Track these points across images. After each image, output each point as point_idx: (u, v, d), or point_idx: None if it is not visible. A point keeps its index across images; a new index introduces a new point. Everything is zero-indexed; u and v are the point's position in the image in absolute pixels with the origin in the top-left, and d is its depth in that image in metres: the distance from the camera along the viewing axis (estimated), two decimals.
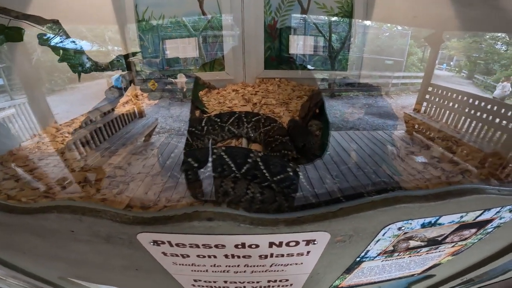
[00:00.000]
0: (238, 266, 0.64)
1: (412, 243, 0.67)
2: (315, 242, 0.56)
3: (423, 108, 1.24)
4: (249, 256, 0.60)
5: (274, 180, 0.71)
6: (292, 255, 0.60)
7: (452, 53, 1.30)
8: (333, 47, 1.50)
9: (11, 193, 0.69)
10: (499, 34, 1.15)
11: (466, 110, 1.09)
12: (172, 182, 0.76)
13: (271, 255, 0.60)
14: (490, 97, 1.12)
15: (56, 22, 0.88)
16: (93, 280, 0.85)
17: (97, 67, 1.07)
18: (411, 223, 0.58)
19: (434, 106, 1.20)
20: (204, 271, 0.67)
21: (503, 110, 0.99)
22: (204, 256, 0.60)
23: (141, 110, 1.22)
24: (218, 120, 1.07)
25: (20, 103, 0.96)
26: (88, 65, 1.02)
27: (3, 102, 0.93)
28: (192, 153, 0.82)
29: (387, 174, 0.83)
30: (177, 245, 0.55)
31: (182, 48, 1.45)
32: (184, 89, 1.38)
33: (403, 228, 0.59)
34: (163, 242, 0.54)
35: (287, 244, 0.56)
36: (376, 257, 0.71)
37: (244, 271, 0.67)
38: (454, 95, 1.14)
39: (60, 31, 0.91)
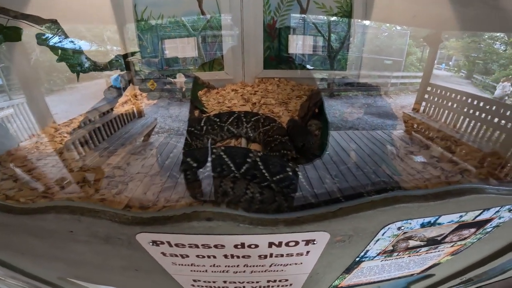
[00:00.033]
0: (238, 266, 0.64)
1: (412, 243, 0.67)
2: (315, 242, 0.56)
3: (422, 108, 1.24)
4: (249, 256, 0.60)
5: (274, 180, 0.71)
6: (291, 255, 0.60)
7: (451, 53, 1.30)
8: (332, 47, 1.50)
9: (10, 193, 0.69)
10: (498, 34, 1.16)
11: (465, 109, 1.09)
12: (171, 182, 0.75)
13: (271, 255, 0.60)
14: (489, 97, 1.12)
15: (54, 22, 0.88)
16: (92, 280, 0.85)
17: (96, 67, 1.06)
18: (410, 223, 0.58)
19: (433, 106, 1.20)
20: (203, 271, 0.66)
21: (502, 110, 0.99)
22: (203, 256, 0.60)
23: (140, 110, 1.21)
24: (217, 120, 1.07)
25: (19, 103, 0.96)
26: (86, 65, 1.02)
27: (2, 102, 0.93)
28: (191, 153, 0.82)
29: (386, 174, 0.83)
30: (176, 245, 0.55)
31: (181, 48, 1.45)
32: (183, 89, 1.37)
33: (402, 228, 0.59)
34: (162, 242, 0.54)
35: (287, 244, 0.56)
36: (375, 257, 0.70)
37: (244, 271, 0.67)
38: (453, 95, 1.14)
39: (59, 31, 0.91)
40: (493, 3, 0.93)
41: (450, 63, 1.33)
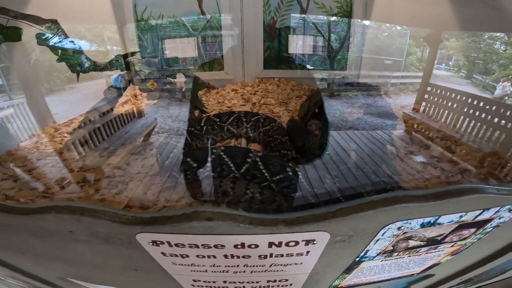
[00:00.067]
0: (238, 266, 0.64)
1: (412, 243, 0.67)
2: (315, 242, 0.56)
3: (422, 108, 1.24)
4: (249, 256, 0.60)
5: (274, 180, 0.71)
6: (291, 255, 0.60)
7: (451, 53, 1.30)
8: (332, 47, 1.50)
9: (10, 193, 0.69)
10: (498, 34, 1.16)
11: (465, 109, 1.09)
12: (171, 182, 0.75)
13: (271, 255, 0.60)
14: (489, 97, 1.12)
15: (54, 22, 0.88)
16: (92, 280, 0.85)
17: (96, 67, 1.06)
18: (410, 223, 0.58)
19: (433, 106, 1.20)
20: (203, 271, 0.66)
21: (502, 110, 0.99)
22: (203, 256, 0.60)
23: (140, 110, 1.21)
24: (217, 120, 1.07)
25: (19, 103, 0.96)
26: (86, 65, 1.02)
27: (2, 102, 0.93)
28: (191, 153, 0.82)
29: (386, 174, 0.83)
30: (176, 245, 0.55)
31: (181, 48, 1.45)
32: (183, 89, 1.38)
33: (402, 228, 0.59)
34: (162, 242, 0.54)
35: (287, 244, 0.56)
36: (375, 257, 0.70)
37: (244, 271, 0.67)
38: (453, 94, 1.14)
39: (59, 31, 0.91)
40: (493, 3, 0.93)
41: (450, 63, 1.33)
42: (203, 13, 1.37)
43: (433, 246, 0.71)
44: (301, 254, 0.60)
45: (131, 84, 1.29)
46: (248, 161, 0.72)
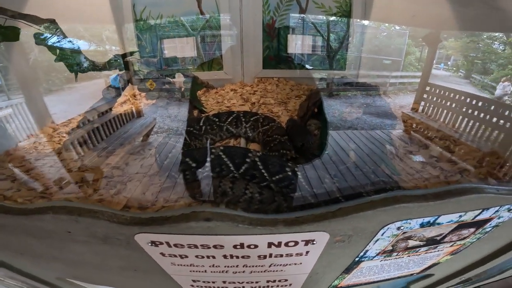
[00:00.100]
0: (237, 266, 0.64)
1: (411, 243, 0.67)
2: (314, 242, 0.56)
3: (421, 108, 1.24)
4: (248, 257, 0.60)
5: (273, 180, 0.71)
6: (291, 255, 0.60)
7: (450, 52, 1.30)
8: (332, 47, 1.50)
9: (8, 193, 0.69)
10: (497, 34, 1.16)
11: (464, 109, 1.09)
12: (170, 182, 0.75)
13: (270, 255, 0.60)
14: (487, 96, 1.12)
15: (52, 22, 0.88)
16: (91, 280, 0.85)
17: (95, 67, 1.06)
18: (410, 223, 0.58)
19: (432, 106, 1.20)
20: (202, 271, 0.66)
21: (500, 110, 0.99)
22: (202, 257, 0.59)
23: (139, 109, 1.21)
24: (216, 119, 1.07)
25: (17, 103, 0.96)
26: (85, 64, 1.02)
27: (1, 102, 0.93)
28: (190, 153, 0.82)
29: (385, 173, 0.83)
30: (175, 245, 0.55)
31: (180, 48, 1.45)
32: (182, 89, 1.37)
33: (402, 227, 0.58)
34: (161, 243, 0.54)
35: (286, 244, 0.56)
36: (375, 257, 0.70)
37: (243, 272, 0.67)
38: (452, 94, 1.14)
39: (58, 30, 0.91)
40: (492, 3, 0.93)
41: (449, 62, 1.33)
42: (202, 13, 1.36)
43: (432, 246, 0.71)
44: (301, 254, 0.60)
45: (129, 84, 1.29)
46: (247, 161, 0.72)
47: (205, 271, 0.66)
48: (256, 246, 0.56)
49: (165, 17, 1.36)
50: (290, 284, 0.76)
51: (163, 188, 0.73)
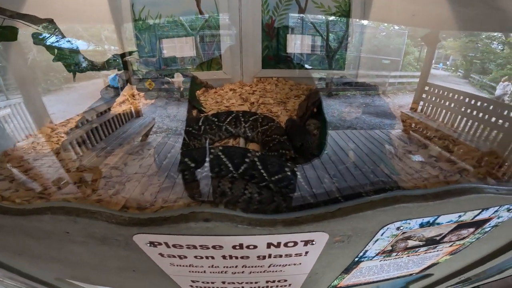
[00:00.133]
0: (236, 267, 0.64)
1: (411, 243, 0.67)
2: (314, 243, 0.56)
3: (420, 107, 1.24)
4: (247, 257, 0.60)
5: (272, 180, 0.71)
6: (290, 255, 0.60)
7: (449, 52, 1.30)
8: (331, 47, 1.50)
9: (6, 194, 0.68)
10: (495, 34, 1.16)
11: (463, 109, 1.09)
12: (169, 182, 0.75)
13: (269, 256, 0.60)
14: (486, 96, 1.12)
15: (51, 22, 0.87)
16: (90, 281, 0.84)
17: (93, 67, 1.06)
18: (409, 223, 0.57)
19: (431, 105, 1.20)
20: (202, 272, 0.66)
21: (499, 109, 0.99)
22: (201, 257, 0.59)
23: (137, 109, 1.21)
24: (216, 119, 1.07)
25: (16, 103, 0.96)
26: (84, 64, 1.01)
27: None
28: (189, 153, 0.82)
29: (385, 173, 0.83)
30: (174, 246, 0.55)
31: (179, 47, 1.45)
32: (181, 89, 1.37)
33: (401, 228, 0.58)
34: (159, 243, 0.54)
35: (285, 245, 0.56)
36: (374, 257, 0.70)
37: (242, 272, 0.66)
38: (451, 94, 1.14)
39: (56, 30, 0.91)
40: (492, 2, 0.93)
41: (448, 62, 1.33)
42: (201, 12, 1.36)
43: (432, 246, 0.71)
44: (300, 255, 0.60)
45: (128, 84, 1.29)
46: (246, 161, 0.72)
47: (204, 271, 0.66)
48: (255, 247, 0.56)
49: (164, 16, 1.36)
50: (290, 285, 0.76)
51: (162, 188, 0.73)
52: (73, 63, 0.97)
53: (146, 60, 1.42)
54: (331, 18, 1.43)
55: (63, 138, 0.96)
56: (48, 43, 0.91)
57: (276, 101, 1.35)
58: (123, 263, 0.65)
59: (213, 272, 0.66)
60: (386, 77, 1.48)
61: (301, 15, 1.42)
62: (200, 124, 1.04)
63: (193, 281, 0.72)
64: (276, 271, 0.67)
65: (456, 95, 1.13)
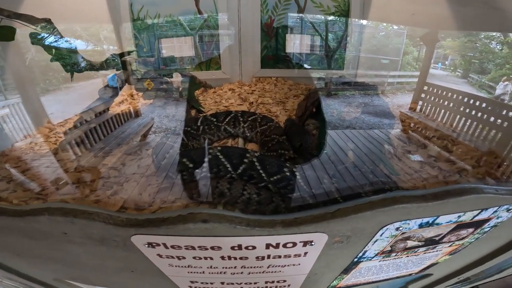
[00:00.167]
0: (235, 267, 0.64)
1: (410, 243, 0.67)
2: (313, 243, 0.56)
3: (418, 107, 1.24)
4: (246, 258, 0.59)
5: (271, 181, 0.71)
6: (289, 256, 0.60)
7: (447, 52, 1.30)
8: (330, 46, 1.50)
9: (3, 194, 0.68)
10: (494, 33, 1.16)
11: (462, 109, 1.09)
12: (168, 183, 0.75)
13: (268, 257, 0.59)
14: (485, 96, 1.12)
15: (48, 21, 0.87)
16: (88, 281, 0.84)
17: (92, 67, 1.05)
18: (409, 223, 0.57)
19: (430, 105, 1.20)
20: (200, 272, 0.66)
21: (498, 109, 0.99)
22: (200, 258, 0.59)
23: (136, 109, 1.21)
24: (214, 119, 1.06)
25: (14, 103, 0.95)
26: (83, 64, 1.01)
27: None
28: (187, 154, 0.81)
29: (384, 173, 0.83)
30: (172, 247, 0.54)
31: (178, 47, 1.45)
32: (180, 88, 1.37)
33: (401, 228, 0.58)
34: (158, 244, 0.54)
35: (284, 246, 0.55)
36: (373, 257, 0.70)
37: (241, 273, 0.66)
38: (449, 94, 1.14)
39: (54, 30, 0.90)
40: (491, 2, 0.93)
41: (446, 62, 1.33)
42: (200, 12, 1.36)
43: (431, 246, 0.71)
44: (299, 255, 0.60)
45: (127, 84, 1.28)
46: (245, 161, 0.72)
47: (203, 272, 0.66)
48: (254, 248, 0.56)
49: (163, 16, 1.35)
50: (289, 285, 0.76)
51: (161, 188, 0.73)
52: (71, 63, 0.97)
53: (144, 60, 1.41)
54: (330, 17, 1.43)
55: (61, 138, 0.95)
56: (46, 43, 0.91)
57: (275, 101, 1.34)
58: (121, 263, 0.65)
59: (212, 273, 0.66)
60: (385, 77, 1.48)
61: (300, 14, 1.42)
62: (198, 124, 1.04)
63: (192, 282, 0.72)
64: (275, 272, 0.67)
65: (455, 95, 1.13)
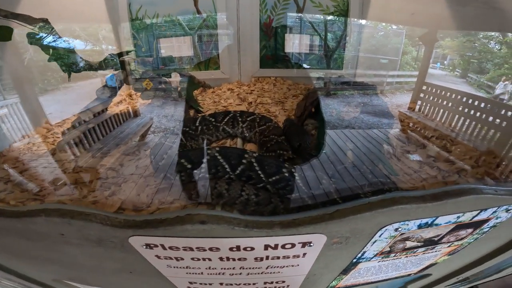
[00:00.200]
0: (234, 268, 0.63)
1: (409, 244, 0.67)
2: (311, 244, 0.55)
3: (417, 107, 1.24)
4: (245, 259, 0.59)
5: (270, 181, 0.70)
6: (288, 257, 0.59)
7: (446, 52, 1.30)
8: (329, 46, 1.50)
9: (0, 195, 0.68)
10: (493, 33, 1.16)
11: (460, 108, 1.09)
12: (166, 183, 0.74)
13: (267, 258, 0.59)
14: (483, 95, 1.12)
15: (45, 21, 0.87)
16: (87, 282, 0.84)
17: (90, 66, 1.05)
18: (408, 224, 0.57)
19: (429, 105, 1.20)
20: (199, 273, 0.66)
21: (496, 109, 0.99)
22: (198, 259, 0.59)
23: (135, 109, 1.20)
24: (213, 119, 1.06)
25: (13, 103, 0.95)
26: (81, 64, 1.01)
27: None
28: (185, 154, 0.81)
29: (383, 173, 0.83)
30: (170, 248, 0.54)
31: (177, 47, 1.44)
32: (179, 88, 1.36)
33: (400, 229, 0.58)
34: (156, 245, 0.53)
35: (283, 247, 0.55)
36: (372, 258, 0.70)
37: (240, 274, 0.66)
38: (448, 93, 1.14)
39: (52, 30, 0.90)
40: (490, 2, 0.93)
41: (445, 62, 1.33)
42: (198, 12, 1.36)
43: (430, 247, 0.71)
44: (298, 256, 0.60)
45: (125, 84, 1.28)
46: (243, 162, 0.71)
47: (202, 273, 0.65)
48: (252, 249, 0.55)
49: (161, 16, 1.35)
50: (288, 286, 0.75)
51: (159, 189, 0.72)
52: (68, 63, 0.96)
53: (143, 59, 1.41)
54: (329, 17, 1.43)
55: (59, 139, 0.95)
56: (44, 43, 0.91)
57: (274, 101, 1.34)
58: (119, 264, 0.65)
59: (211, 274, 0.66)
60: (384, 77, 1.48)
61: (299, 14, 1.42)
62: (197, 124, 1.04)
63: (190, 283, 0.72)
64: (274, 273, 0.67)
65: (454, 95, 1.13)
